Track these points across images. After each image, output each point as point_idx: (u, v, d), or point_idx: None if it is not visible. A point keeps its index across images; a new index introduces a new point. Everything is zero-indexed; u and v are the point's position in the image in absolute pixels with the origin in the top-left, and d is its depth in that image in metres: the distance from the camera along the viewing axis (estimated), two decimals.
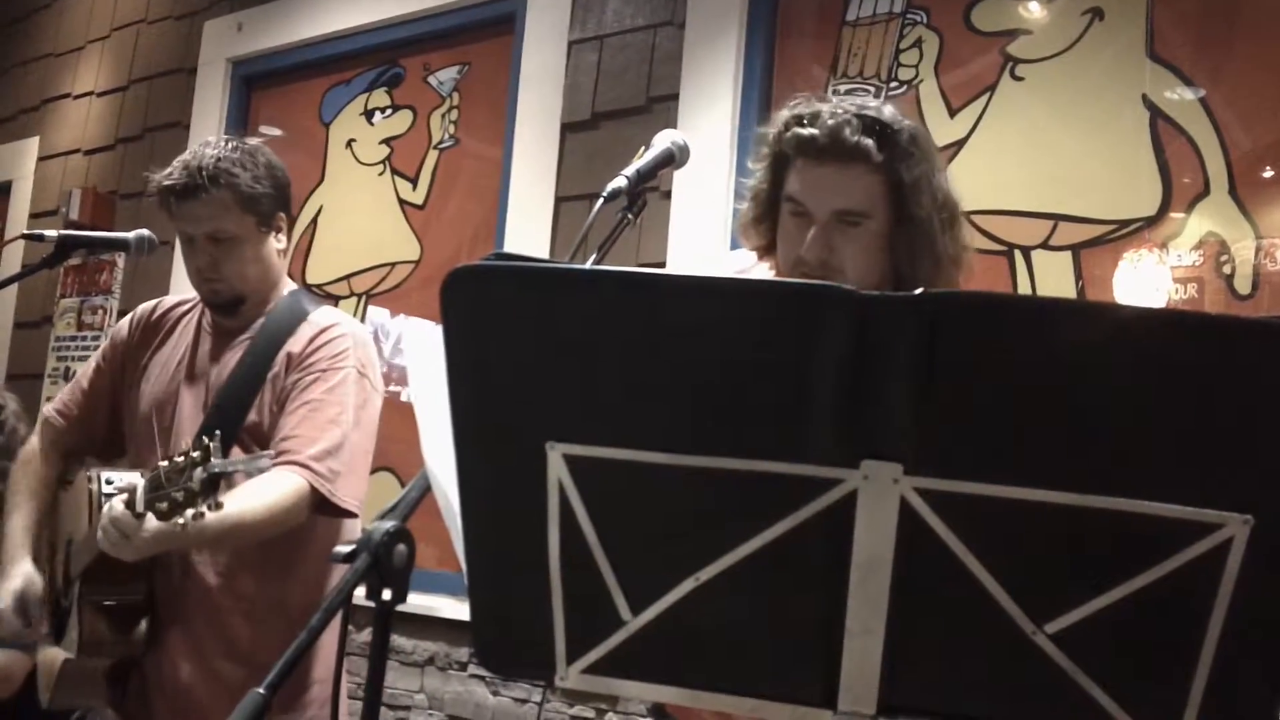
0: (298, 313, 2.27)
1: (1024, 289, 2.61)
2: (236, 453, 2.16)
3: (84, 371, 2.45)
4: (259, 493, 2.06)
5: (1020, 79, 2.69)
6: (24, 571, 2.23)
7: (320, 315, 2.28)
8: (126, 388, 2.36)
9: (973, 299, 0.90)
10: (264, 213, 2.25)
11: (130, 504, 1.86)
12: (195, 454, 1.78)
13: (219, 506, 1.78)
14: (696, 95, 3.11)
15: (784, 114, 1.62)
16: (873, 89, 2.90)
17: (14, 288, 4.82)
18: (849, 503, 0.95)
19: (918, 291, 0.89)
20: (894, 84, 2.88)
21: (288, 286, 2.35)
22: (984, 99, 2.74)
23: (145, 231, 2.41)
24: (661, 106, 3.19)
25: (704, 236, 2.97)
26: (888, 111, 1.58)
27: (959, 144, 2.75)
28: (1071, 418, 0.89)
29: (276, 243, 2.31)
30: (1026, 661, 0.94)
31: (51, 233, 2.36)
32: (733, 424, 0.98)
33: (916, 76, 2.85)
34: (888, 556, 0.95)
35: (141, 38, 4.78)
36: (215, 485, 1.79)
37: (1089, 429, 0.89)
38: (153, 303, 2.45)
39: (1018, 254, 2.63)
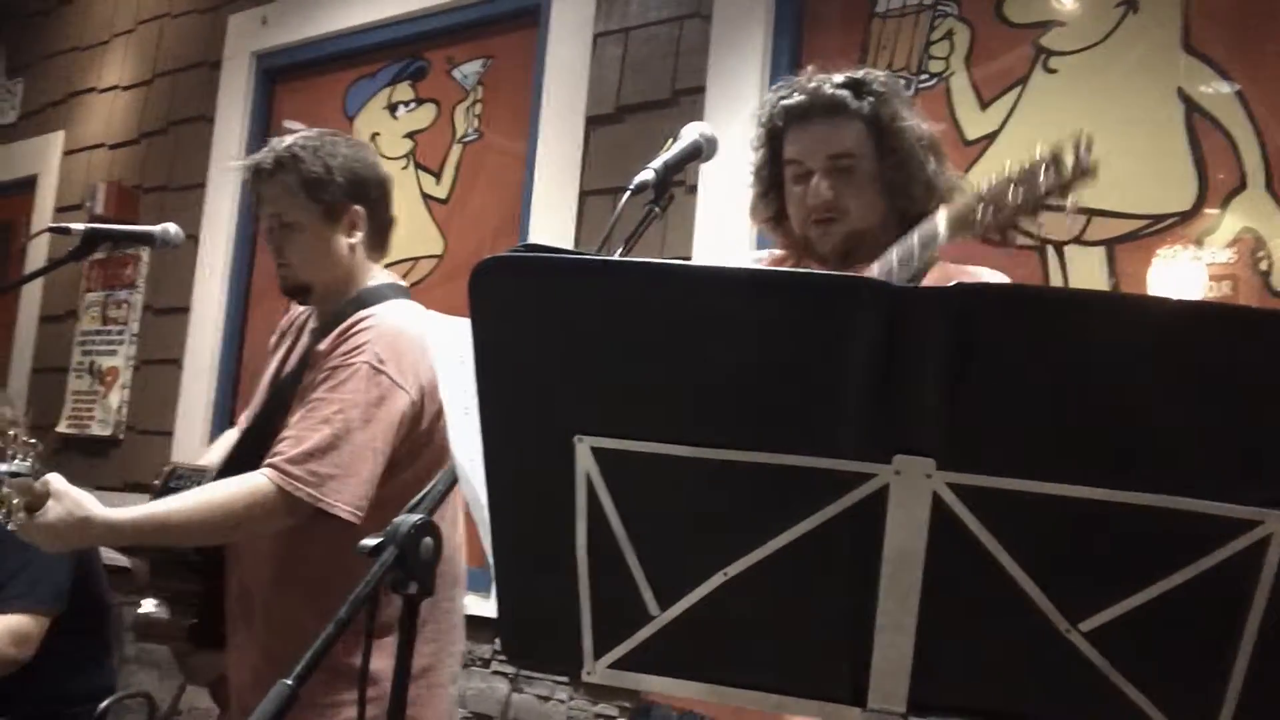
0: (350, 309, 2.21)
1: (1056, 284, 2.58)
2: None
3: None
4: (201, 491, 2.07)
5: (1053, 71, 2.67)
6: None
7: (364, 310, 2.20)
8: None
9: (1006, 291, 0.89)
10: (329, 202, 2.23)
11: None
12: None
13: (10, 513, 1.92)
14: (723, 88, 3.09)
15: (768, 96, 1.88)
16: (902, 82, 2.88)
17: (39, 282, 4.85)
18: (880, 498, 0.94)
19: (951, 284, 0.87)
20: (924, 76, 2.85)
21: (370, 282, 2.29)
22: (1016, 92, 2.71)
23: (170, 225, 2.42)
24: (687, 99, 3.18)
25: (731, 230, 2.96)
26: (860, 72, 1.82)
27: (990, 137, 2.72)
28: (1106, 412, 0.88)
29: (348, 236, 2.27)
30: (1060, 659, 0.92)
31: (77, 226, 2.36)
32: (763, 418, 0.97)
33: (947, 69, 2.82)
34: (919, 552, 0.94)
35: (166, 31, 4.79)
36: None
37: (1124, 423, 0.88)
38: (292, 311, 2.49)
39: (1050, 249, 2.60)
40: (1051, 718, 0.97)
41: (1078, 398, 0.88)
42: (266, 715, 1.08)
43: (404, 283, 2.42)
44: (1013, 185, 1.61)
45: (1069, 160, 1.58)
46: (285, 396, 2.20)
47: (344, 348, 2.14)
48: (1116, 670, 0.91)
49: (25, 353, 5.05)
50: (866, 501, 0.94)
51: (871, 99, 1.78)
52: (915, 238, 1.67)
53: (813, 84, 1.80)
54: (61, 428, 4.71)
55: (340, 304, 2.24)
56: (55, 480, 1.96)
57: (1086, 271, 2.54)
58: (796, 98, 1.80)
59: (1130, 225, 2.51)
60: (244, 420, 2.47)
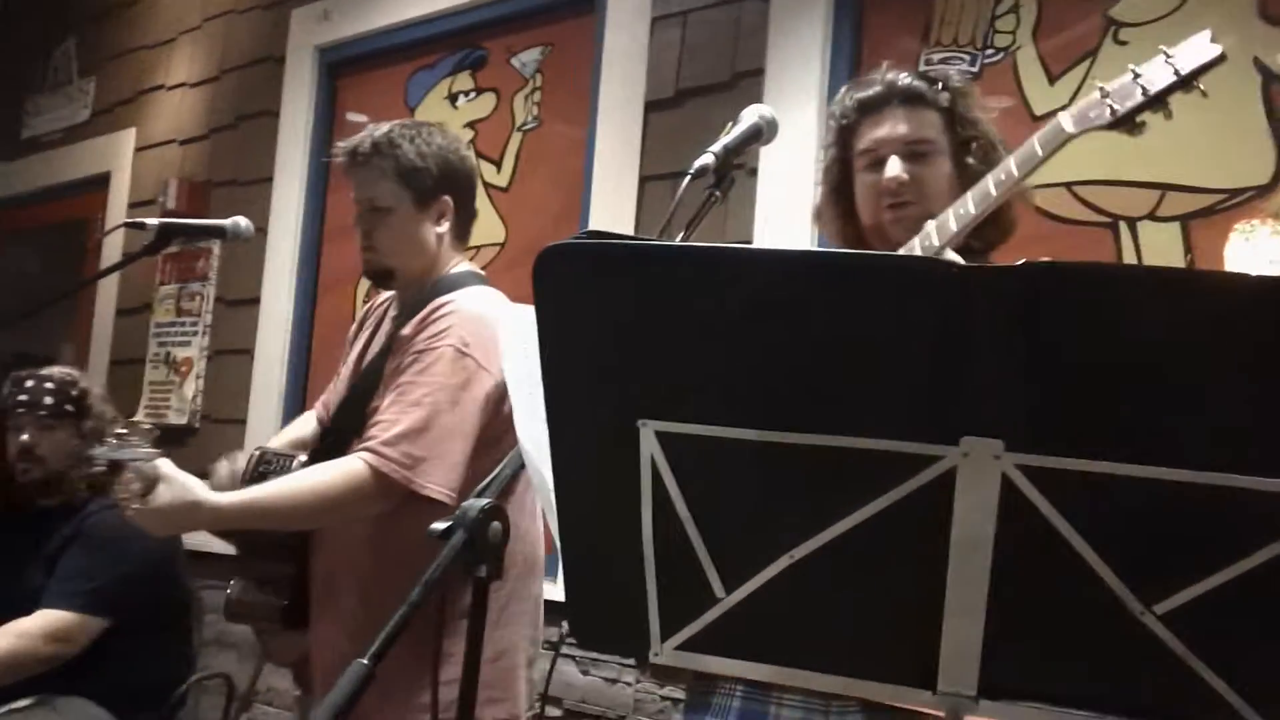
0: (431, 296, 2.25)
1: (1129, 261, 2.54)
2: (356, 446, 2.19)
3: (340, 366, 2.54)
4: (301, 475, 2.11)
5: (1124, 43, 2.61)
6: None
7: (445, 296, 2.23)
8: None
9: (1075, 269, 0.87)
10: (422, 189, 2.28)
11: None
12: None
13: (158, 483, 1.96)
14: (783, 69, 3.07)
15: (841, 95, 1.85)
16: (967, 57, 2.84)
17: (115, 277, 4.94)
18: (948, 480, 0.93)
19: (1019, 262, 0.86)
20: (989, 51, 2.81)
21: (451, 270, 2.33)
22: (1085, 65, 2.66)
23: (240, 219, 2.46)
24: (747, 82, 3.15)
25: (792, 214, 2.94)
26: (933, 71, 1.82)
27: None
28: (1179, 391, 0.86)
29: (436, 225, 2.31)
30: (1134, 643, 0.91)
31: (152, 221, 2.41)
32: (828, 400, 0.96)
33: (1013, 43, 2.78)
34: (989, 535, 0.93)
35: (231, 27, 4.85)
36: (116, 471, 1.99)
37: (1198, 403, 0.86)
38: (379, 297, 2.53)
39: (1123, 225, 2.55)
40: (1125, 703, 0.95)
41: (1149, 376, 0.86)
42: (344, 694, 1.10)
43: (482, 272, 2.45)
44: (1138, 76, 1.57)
45: (1194, 46, 1.57)
46: (371, 382, 2.24)
47: (428, 332, 2.18)
48: (1193, 654, 0.90)
49: (103, 345, 5.16)
50: (934, 484, 0.93)
51: (948, 92, 1.77)
52: (1036, 139, 1.62)
53: (889, 76, 1.79)
54: (138, 417, 4.80)
55: (422, 291, 2.28)
56: (164, 465, 2.01)
57: (1161, 248, 2.49)
58: (872, 90, 1.79)
59: (1206, 200, 2.45)
60: (321, 407, 2.52)
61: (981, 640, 0.95)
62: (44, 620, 2.86)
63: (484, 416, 2.16)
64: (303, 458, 2.26)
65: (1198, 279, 0.98)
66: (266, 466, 2.26)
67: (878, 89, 1.78)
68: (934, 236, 1.63)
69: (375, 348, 2.32)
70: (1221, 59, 1.54)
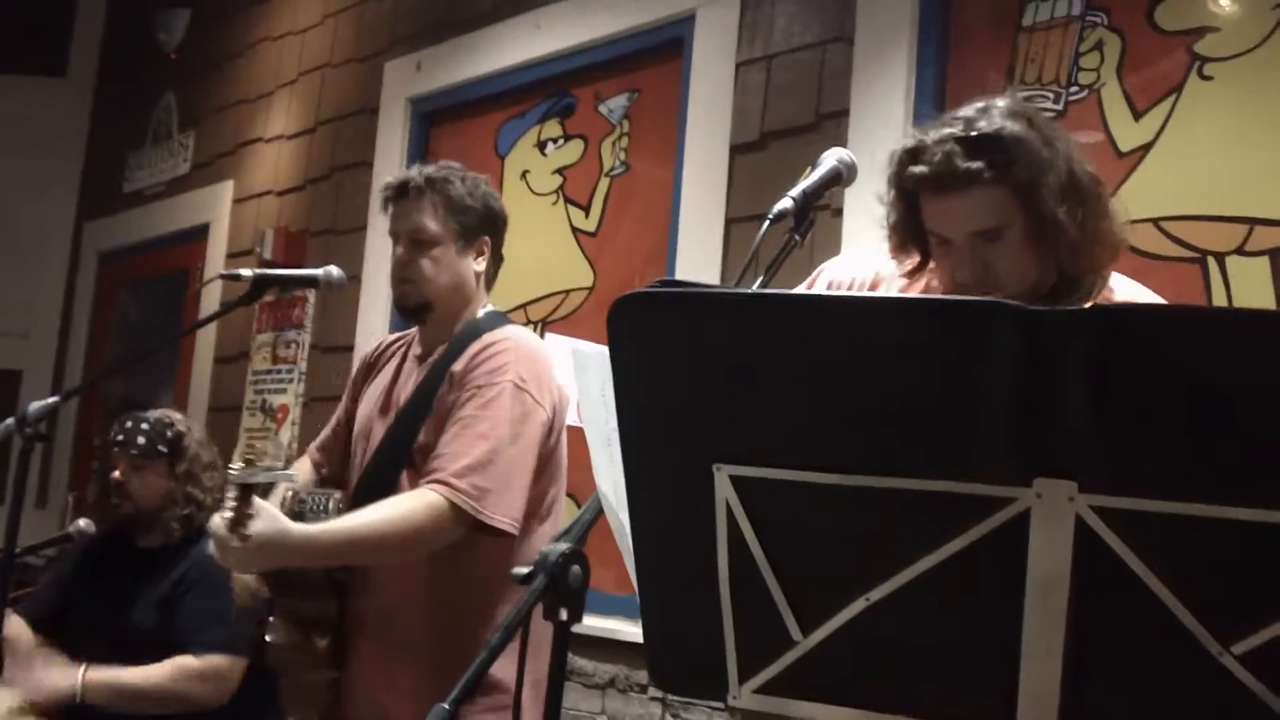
0: (474, 332, 2.30)
1: (1218, 297, 2.49)
2: (405, 479, 2.21)
3: (337, 411, 2.58)
4: (381, 507, 2.09)
5: (1209, 78, 2.58)
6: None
7: (493, 333, 2.28)
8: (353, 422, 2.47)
9: (1144, 311, 0.88)
10: (467, 226, 2.34)
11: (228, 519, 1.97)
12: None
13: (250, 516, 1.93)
14: (868, 109, 3.07)
15: (895, 152, 1.70)
16: (1051, 95, 2.83)
17: (214, 325, 5.08)
18: (1022, 521, 0.93)
19: (1088, 305, 0.87)
20: (1074, 88, 2.79)
21: (482, 310, 2.39)
22: (1171, 100, 2.63)
23: (334, 268, 2.53)
24: (831, 123, 3.17)
25: (878, 253, 2.94)
26: (987, 123, 1.62)
27: (1146, 147, 2.65)
28: (1250, 430, 0.86)
29: (475, 264, 2.37)
30: (1214, 684, 0.90)
31: (247, 271, 2.48)
32: (901, 444, 0.97)
33: (1098, 80, 2.76)
34: (1065, 576, 0.93)
35: (327, 81, 4.99)
36: (248, 495, 1.93)
37: (1269, 442, 0.85)
38: (379, 340, 2.59)
39: (1211, 260, 2.51)
40: None
41: (1220, 416, 0.86)
42: None
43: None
44: None
45: None
46: (415, 417, 2.26)
47: (485, 367, 2.21)
48: (1274, 694, 0.89)
49: (202, 393, 5.29)
50: (1008, 525, 0.94)
51: (1005, 159, 1.59)
52: None
53: (940, 154, 1.61)
54: (235, 463, 4.91)
55: (457, 328, 2.33)
56: (254, 499, 1.99)
57: (1251, 283, 2.44)
58: (924, 170, 1.62)
59: None
60: (316, 451, 2.54)
61: (1060, 681, 0.95)
62: (201, 661, 2.94)
63: (539, 450, 2.21)
64: (338, 495, 2.26)
65: (1266, 319, 0.97)
66: (303, 505, 2.24)
67: (930, 172, 1.62)
68: None
69: (408, 385, 2.34)
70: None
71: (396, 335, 2.57)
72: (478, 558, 2.16)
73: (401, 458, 2.24)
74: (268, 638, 2.28)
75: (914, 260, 1.76)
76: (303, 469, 2.52)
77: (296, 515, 2.19)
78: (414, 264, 2.32)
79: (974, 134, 1.61)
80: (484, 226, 2.37)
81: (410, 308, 2.36)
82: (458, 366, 2.24)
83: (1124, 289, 1.69)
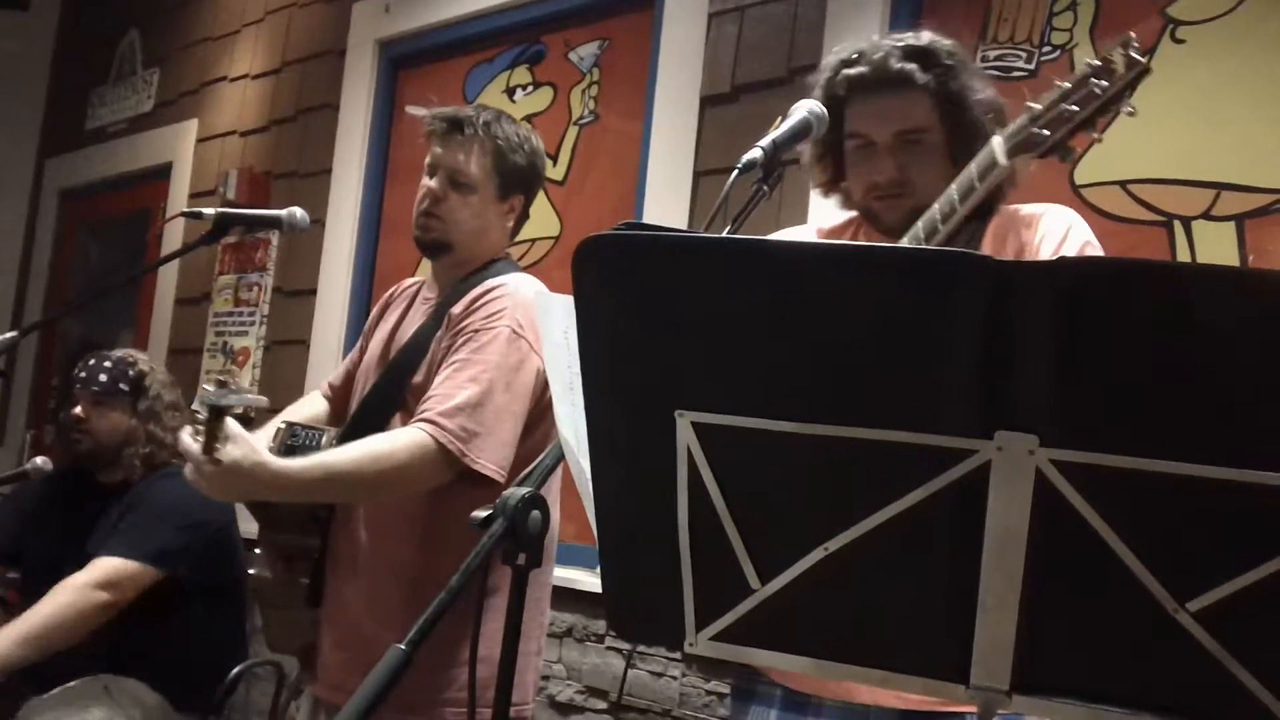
0: (481, 279, 2.27)
1: (1184, 261, 2.51)
2: (398, 421, 2.18)
3: (352, 351, 2.56)
4: (362, 443, 2.06)
5: (1181, 41, 2.58)
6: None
7: (496, 279, 2.25)
8: None
9: (1110, 265, 0.87)
10: (508, 176, 2.31)
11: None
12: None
13: (225, 440, 1.89)
14: None
15: (830, 60, 1.83)
16: (1024, 54, 2.82)
17: (175, 266, 5.02)
18: (982, 474, 0.93)
19: (1053, 258, 0.86)
20: (1046, 48, 2.79)
21: (498, 260, 2.37)
22: None
23: (297, 210, 2.49)
24: (803, 77, 3.13)
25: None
26: (925, 36, 1.77)
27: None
28: (1213, 388, 0.86)
29: (505, 218, 2.35)
30: (1168, 641, 0.90)
31: (209, 210, 2.44)
32: (863, 394, 0.97)
33: (1071, 40, 2.75)
34: (1023, 530, 0.93)
35: (293, 21, 4.92)
36: (219, 417, 1.89)
37: (1232, 400, 0.86)
38: (399, 284, 2.55)
39: (1177, 225, 2.52)
40: (1160, 701, 0.95)
41: (1184, 373, 0.86)
42: (382, 678, 1.11)
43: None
44: (1067, 96, 1.55)
45: (1119, 61, 1.53)
46: (412, 358, 2.24)
47: (483, 312, 2.19)
48: (1227, 653, 0.89)
49: (162, 334, 5.25)
50: (968, 478, 0.94)
51: (939, 70, 1.73)
52: (973, 167, 1.62)
53: (878, 55, 1.74)
54: (196, 405, 4.87)
55: (469, 273, 2.30)
56: (230, 424, 1.94)
57: (1216, 247, 2.46)
58: (860, 69, 1.75)
59: (1262, 200, 2.42)
60: (328, 386, 2.53)
61: (1015, 635, 0.95)
62: (94, 567, 2.89)
63: (531, 401, 2.17)
64: (332, 431, 2.24)
65: (1235, 276, 0.97)
66: (294, 439, 2.20)
67: (866, 69, 1.74)
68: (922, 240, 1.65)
69: (411, 327, 2.33)
70: (1147, 72, 1.53)
71: (413, 279, 2.54)
72: (468, 505, 2.12)
73: (395, 398, 2.22)
74: (251, 570, 2.26)
75: (824, 177, 1.87)
76: (314, 403, 2.51)
77: (288, 449, 2.16)
78: (445, 201, 2.29)
79: (911, 43, 1.75)
80: (523, 185, 2.35)
81: (428, 242, 2.32)
82: (456, 309, 2.22)
83: (1050, 214, 1.73)
